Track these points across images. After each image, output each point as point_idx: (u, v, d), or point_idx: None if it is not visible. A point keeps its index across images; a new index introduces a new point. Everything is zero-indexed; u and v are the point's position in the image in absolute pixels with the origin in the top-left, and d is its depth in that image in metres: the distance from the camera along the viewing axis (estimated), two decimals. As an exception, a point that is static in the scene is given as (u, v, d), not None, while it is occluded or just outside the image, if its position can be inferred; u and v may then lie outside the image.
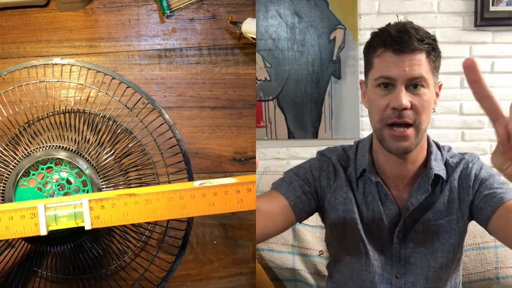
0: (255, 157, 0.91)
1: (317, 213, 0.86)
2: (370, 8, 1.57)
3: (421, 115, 0.73)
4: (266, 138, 1.64)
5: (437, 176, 0.79)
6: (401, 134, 0.73)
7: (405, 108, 0.71)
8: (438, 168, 0.79)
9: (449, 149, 0.84)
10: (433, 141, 0.82)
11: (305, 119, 1.62)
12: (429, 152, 0.80)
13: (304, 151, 1.63)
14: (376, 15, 1.56)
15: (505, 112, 0.53)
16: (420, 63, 0.72)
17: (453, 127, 1.56)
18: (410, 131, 0.73)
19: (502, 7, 1.51)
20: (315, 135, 1.63)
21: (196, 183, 0.64)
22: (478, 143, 1.57)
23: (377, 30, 0.77)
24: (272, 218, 0.76)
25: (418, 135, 0.74)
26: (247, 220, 0.90)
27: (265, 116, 1.63)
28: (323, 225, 0.89)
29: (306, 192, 0.80)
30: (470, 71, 0.52)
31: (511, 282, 1.23)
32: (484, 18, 1.51)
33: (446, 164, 0.81)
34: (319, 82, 1.61)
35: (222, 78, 0.91)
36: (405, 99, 0.70)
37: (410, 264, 0.80)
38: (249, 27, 0.87)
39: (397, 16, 1.52)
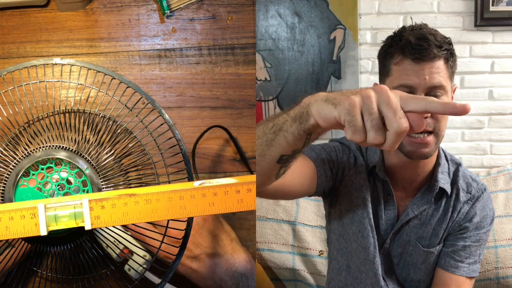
0: (255, 157, 0.91)
1: (318, 208, 0.86)
2: (370, 8, 1.57)
3: (441, 122, 0.72)
4: (266, 138, 1.64)
5: (442, 190, 0.78)
6: (422, 141, 0.72)
7: (426, 117, 0.70)
8: (443, 181, 0.78)
9: (460, 164, 0.81)
10: (443, 151, 0.82)
11: (305, 119, 1.62)
12: (437, 163, 0.79)
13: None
14: (376, 15, 1.56)
15: None
16: (439, 70, 0.71)
17: (453, 127, 1.56)
18: (430, 138, 0.72)
19: (502, 7, 1.51)
20: (315, 135, 1.63)
21: (196, 183, 0.64)
22: (478, 143, 1.57)
23: (393, 34, 0.75)
24: (299, 177, 0.75)
25: (438, 141, 0.74)
26: (247, 220, 0.90)
27: (265, 116, 1.63)
28: (323, 225, 0.89)
29: (331, 168, 0.79)
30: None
31: (511, 282, 1.23)
32: (484, 18, 1.52)
33: (454, 182, 0.79)
34: (319, 82, 1.61)
35: (222, 78, 0.91)
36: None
37: (394, 264, 0.80)
38: None
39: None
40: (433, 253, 0.78)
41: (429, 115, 0.70)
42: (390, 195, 0.79)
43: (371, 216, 0.79)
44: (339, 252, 0.86)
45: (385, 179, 0.79)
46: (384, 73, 0.77)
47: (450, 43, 0.74)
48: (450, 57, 0.73)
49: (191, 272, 0.76)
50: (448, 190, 0.78)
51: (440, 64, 0.71)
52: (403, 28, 0.75)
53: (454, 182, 0.80)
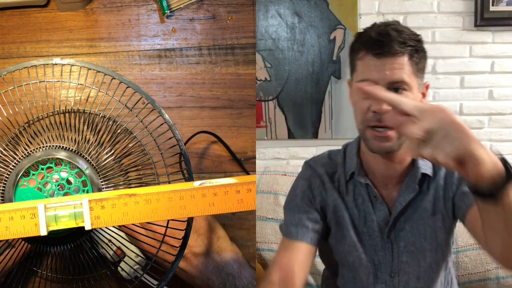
0: (255, 157, 0.91)
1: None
2: (370, 8, 1.57)
3: None
4: (266, 138, 1.64)
5: (424, 175, 0.79)
6: (382, 135, 0.73)
7: (386, 112, 0.71)
8: (425, 167, 0.79)
9: None
10: None
11: (305, 119, 1.63)
12: None
13: (304, 151, 1.63)
14: (376, 15, 1.56)
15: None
16: (401, 66, 0.71)
17: (453, 127, 1.56)
18: (391, 132, 0.73)
19: (502, 7, 1.51)
20: (315, 135, 1.63)
21: (196, 183, 0.64)
22: (478, 143, 1.57)
23: (361, 31, 0.77)
24: (303, 270, 0.79)
25: (401, 137, 0.74)
26: (247, 220, 0.90)
27: (265, 116, 1.63)
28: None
29: (315, 220, 0.82)
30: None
31: (511, 282, 1.23)
32: (484, 18, 1.52)
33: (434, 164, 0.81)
34: (319, 82, 1.61)
35: (222, 78, 0.91)
36: (385, 103, 0.70)
37: (403, 263, 0.81)
38: None
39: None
40: (429, 224, 0.79)
41: (390, 109, 0.71)
42: (376, 197, 0.79)
43: (352, 232, 0.81)
44: (332, 272, 0.88)
45: (366, 183, 0.79)
46: (351, 69, 0.78)
47: (418, 40, 0.74)
48: (415, 53, 0.73)
49: (179, 271, 0.77)
50: (430, 173, 0.79)
51: (402, 60, 0.72)
52: (373, 24, 0.76)
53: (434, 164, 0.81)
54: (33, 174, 0.73)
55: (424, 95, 0.78)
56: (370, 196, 0.80)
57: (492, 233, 0.61)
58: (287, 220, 0.83)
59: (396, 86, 0.72)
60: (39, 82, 0.80)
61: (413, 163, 0.80)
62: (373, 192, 0.80)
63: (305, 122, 1.62)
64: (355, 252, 0.81)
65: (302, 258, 0.79)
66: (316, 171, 0.84)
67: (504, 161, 0.55)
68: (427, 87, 0.78)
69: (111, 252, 0.76)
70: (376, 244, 0.81)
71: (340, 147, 0.89)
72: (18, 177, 0.73)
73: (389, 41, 0.71)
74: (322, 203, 0.83)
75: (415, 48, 0.73)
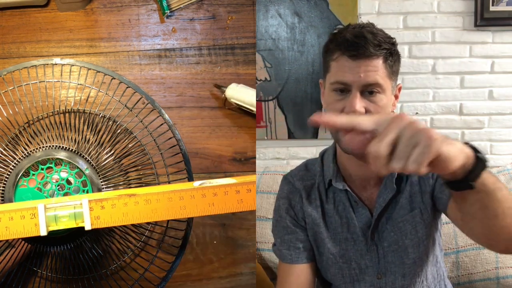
0: (255, 157, 0.91)
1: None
2: (370, 8, 1.56)
3: None
4: (266, 138, 1.64)
5: (400, 174, 0.79)
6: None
7: (360, 113, 0.70)
8: None
9: None
10: None
11: (305, 119, 1.62)
12: None
13: (304, 151, 1.63)
14: (376, 15, 1.56)
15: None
16: (376, 69, 0.71)
17: (453, 127, 1.56)
18: (367, 135, 0.73)
19: (502, 7, 1.51)
20: (315, 135, 1.63)
21: (196, 184, 0.64)
22: (478, 143, 1.56)
23: (335, 32, 0.76)
24: (311, 286, 0.81)
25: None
26: (247, 220, 0.90)
27: (265, 116, 1.63)
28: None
29: (303, 239, 0.83)
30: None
31: (511, 282, 1.23)
32: (484, 18, 1.51)
33: None
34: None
35: (222, 78, 0.91)
36: (359, 105, 0.70)
37: (389, 263, 0.81)
38: (232, 92, 0.87)
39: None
40: (408, 220, 0.79)
41: (363, 111, 0.71)
42: (356, 201, 0.80)
43: (330, 245, 0.82)
44: (320, 283, 0.89)
45: (345, 189, 0.79)
46: (325, 70, 0.78)
47: (392, 43, 0.74)
48: (389, 56, 0.73)
49: None
50: None
51: (377, 62, 0.71)
52: (348, 25, 0.76)
53: None
54: (33, 174, 0.73)
55: (396, 97, 0.78)
56: (351, 201, 0.80)
57: (472, 220, 0.62)
58: (279, 244, 0.85)
59: (370, 89, 0.72)
60: (39, 82, 0.80)
61: None
62: (353, 197, 0.80)
63: (305, 122, 1.62)
64: (335, 264, 0.82)
65: (305, 278, 0.82)
66: (294, 186, 0.85)
67: (474, 149, 0.55)
68: (399, 89, 0.79)
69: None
70: (362, 249, 0.81)
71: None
72: (18, 177, 0.73)
73: (365, 43, 0.71)
74: (304, 218, 0.84)
75: (390, 51, 0.73)
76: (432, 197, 0.79)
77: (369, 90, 0.72)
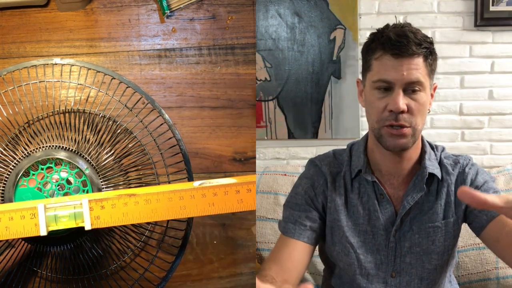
0: (255, 157, 0.91)
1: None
2: (370, 8, 1.56)
3: (417, 117, 0.75)
4: (266, 138, 1.64)
5: (431, 175, 0.80)
6: (398, 132, 0.75)
7: (402, 111, 0.73)
8: (432, 167, 0.80)
9: (443, 149, 0.85)
10: (427, 141, 0.84)
11: (305, 119, 1.62)
12: (423, 152, 0.82)
13: (304, 151, 1.63)
14: (376, 15, 1.56)
15: None
16: (417, 67, 0.73)
17: (453, 127, 1.56)
18: (407, 129, 0.75)
19: (502, 7, 1.51)
20: (315, 135, 1.63)
21: (196, 183, 0.64)
22: (478, 143, 1.57)
23: (376, 31, 0.78)
24: (299, 268, 0.79)
25: (415, 134, 0.77)
26: (247, 220, 0.90)
27: (265, 116, 1.63)
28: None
29: (314, 219, 0.82)
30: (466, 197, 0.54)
31: (511, 282, 1.23)
32: (484, 18, 1.51)
33: (441, 164, 0.83)
34: (319, 82, 1.61)
35: (222, 78, 0.91)
36: (402, 102, 0.73)
37: (405, 264, 0.81)
38: None
39: (395, 17, 1.52)
40: (439, 227, 0.79)
41: (406, 109, 0.73)
42: (383, 194, 0.80)
43: (349, 234, 0.82)
44: (331, 272, 0.88)
45: (373, 180, 0.80)
46: (366, 68, 0.79)
47: (430, 42, 0.76)
48: (429, 55, 0.75)
49: None
50: (439, 174, 0.80)
51: (418, 61, 0.74)
52: (387, 25, 0.78)
53: (441, 164, 0.82)
54: (33, 174, 0.73)
55: (432, 96, 0.79)
56: (377, 193, 0.81)
57: None
58: (286, 216, 0.84)
59: (412, 87, 0.74)
60: (39, 82, 0.80)
61: (420, 162, 0.81)
62: (380, 189, 0.80)
63: (305, 122, 1.62)
64: (351, 254, 0.81)
65: (299, 256, 0.80)
66: (320, 170, 0.85)
67: None
68: (435, 88, 0.80)
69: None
70: (380, 244, 0.81)
71: (340, 147, 0.89)
72: (18, 177, 0.73)
73: (407, 42, 0.73)
74: (324, 202, 0.83)
75: (429, 50, 0.75)
76: (465, 212, 0.80)
77: (411, 88, 0.74)
